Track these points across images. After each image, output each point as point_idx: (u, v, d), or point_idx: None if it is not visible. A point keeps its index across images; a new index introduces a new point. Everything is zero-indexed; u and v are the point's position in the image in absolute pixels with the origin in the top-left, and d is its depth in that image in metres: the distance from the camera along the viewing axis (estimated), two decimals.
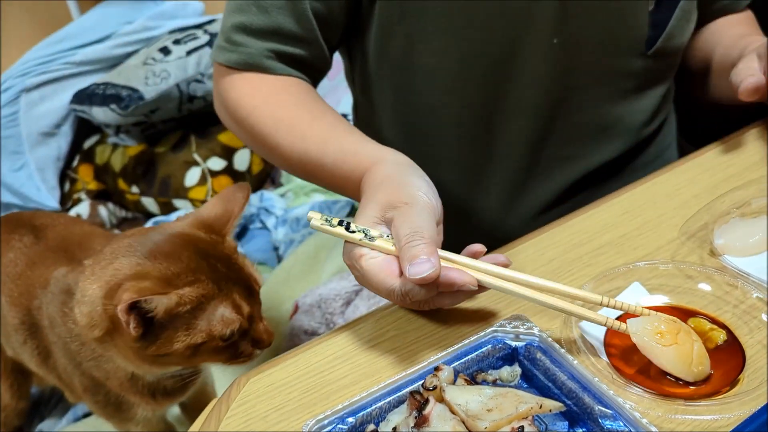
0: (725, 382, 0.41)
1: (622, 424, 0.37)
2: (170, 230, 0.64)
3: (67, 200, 1.49)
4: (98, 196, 1.47)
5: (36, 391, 1.06)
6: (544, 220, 0.72)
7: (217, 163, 1.36)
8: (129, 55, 1.52)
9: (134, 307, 0.57)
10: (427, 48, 0.66)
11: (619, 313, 0.46)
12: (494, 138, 0.70)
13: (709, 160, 0.65)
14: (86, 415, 0.97)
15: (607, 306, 0.45)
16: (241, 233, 1.33)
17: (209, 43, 1.40)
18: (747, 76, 0.60)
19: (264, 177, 1.48)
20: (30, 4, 1.66)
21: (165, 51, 1.39)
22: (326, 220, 0.48)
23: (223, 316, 0.61)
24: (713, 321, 0.45)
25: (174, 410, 0.92)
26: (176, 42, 1.41)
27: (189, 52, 1.37)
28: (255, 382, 0.47)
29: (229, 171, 1.37)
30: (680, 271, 0.49)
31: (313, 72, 0.69)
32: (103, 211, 1.44)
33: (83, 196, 1.47)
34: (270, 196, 1.39)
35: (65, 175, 1.53)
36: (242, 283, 0.64)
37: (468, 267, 0.46)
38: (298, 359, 0.49)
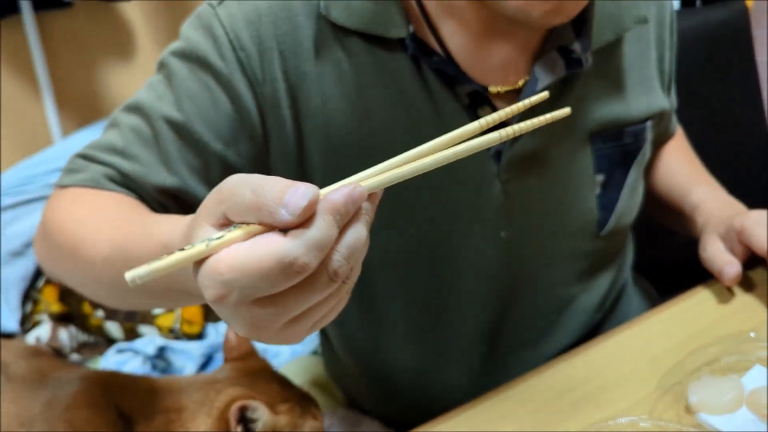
0: None
1: None
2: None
3: (27, 321, 1.45)
4: (60, 319, 1.43)
5: None
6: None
7: None
8: None
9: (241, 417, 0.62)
10: (373, 242, 0.63)
11: None
12: (447, 329, 0.68)
13: (677, 314, 0.67)
14: None
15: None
16: (207, 363, 1.29)
17: None
18: (725, 264, 0.66)
19: None
20: (12, 123, 1.70)
21: None
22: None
23: None
24: None
25: None
26: None
27: None
28: None
29: None
30: (659, 428, 0.50)
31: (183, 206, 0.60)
32: (63, 334, 1.39)
33: (45, 317, 1.43)
34: None
35: (28, 295, 1.49)
36: None
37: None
38: None
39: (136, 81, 1.85)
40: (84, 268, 0.52)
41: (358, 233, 0.34)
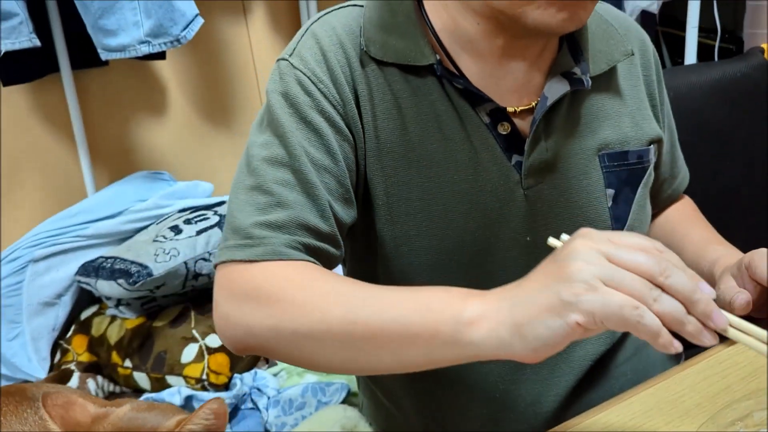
0: None
1: None
2: None
3: (54, 371, 1.47)
4: (88, 369, 1.45)
5: None
6: (545, 423, 0.73)
7: (215, 340, 1.37)
8: (139, 230, 1.58)
9: None
10: (411, 249, 0.70)
11: None
12: None
13: (705, 368, 0.67)
14: None
15: None
16: (233, 413, 1.30)
17: (218, 224, 1.47)
18: (736, 294, 0.67)
19: (258, 356, 1.47)
20: (48, 176, 1.76)
21: (176, 230, 1.45)
22: None
23: None
24: None
25: None
26: (187, 222, 1.49)
27: (199, 232, 1.43)
28: None
29: (226, 349, 1.37)
30: None
31: (331, 264, 0.68)
32: (92, 384, 1.41)
33: (73, 367, 1.45)
34: (263, 375, 1.38)
35: (57, 345, 1.52)
36: None
37: None
38: None
39: (168, 136, 1.92)
40: (316, 328, 0.57)
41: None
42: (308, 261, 0.63)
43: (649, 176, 0.77)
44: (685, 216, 0.89)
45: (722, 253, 0.77)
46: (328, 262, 0.67)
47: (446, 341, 0.52)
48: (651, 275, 0.46)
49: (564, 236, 0.55)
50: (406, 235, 0.70)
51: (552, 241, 0.56)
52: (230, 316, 0.61)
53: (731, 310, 0.67)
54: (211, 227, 1.46)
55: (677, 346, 0.46)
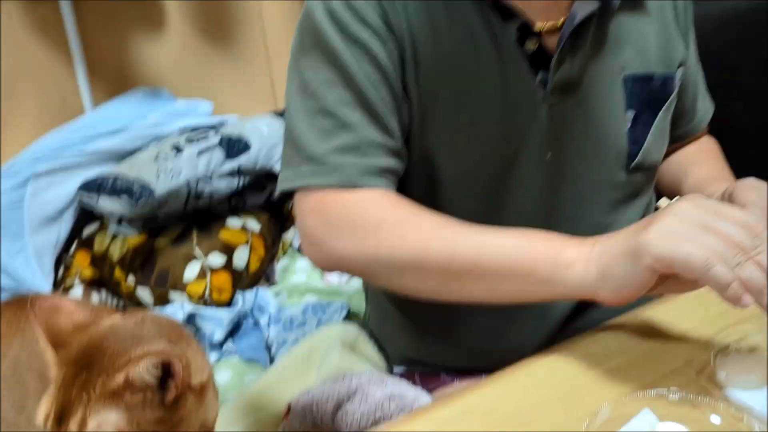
0: None
1: None
2: None
3: (59, 286, 1.49)
4: (91, 284, 1.47)
5: None
6: (552, 334, 0.76)
7: (217, 260, 1.38)
8: (139, 148, 1.57)
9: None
10: (438, 160, 0.72)
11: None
12: None
13: (703, 294, 0.69)
14: None
15: None
16: (235, 330, 1.33)
17: (220, 143, 1.46)
18: None
19: (260, 274, 1.50)
20: (44, 92, 1.73)
21: (177, 149, 1.44)
22: None
23: None
24: None
25: None
26: (189, 141, 1.47)
27: (200, 152, 1.43)
28: None
29: (228, 267, 1.39)
30: (688, 401, 0.52)
31: (398, 178, 0.72)
32: (95, 298, 1.43)
33: (76, 282, 1.47)
34: (265, 294, 1.41)
35: (60, 260, 1.53)
36: None
37: None
38: None
39: (167, 54, 1.87)
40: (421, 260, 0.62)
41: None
42: (386, 189, 0.67)
43: (672, 102, 0.77)
44: (698, 153, 0.88)
45: (722, 189, 0.77)
46: (397, 177, 0.71)
47: (541, 279, 0.58)
48: (742, 248, 0.50)
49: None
50: (433, 147, 0.71)
51: (662, 201, 0.59)
52: (325, 243, 0.66)
53: None
54: (212, 147, 1.45)
55: (747, 302, 0.49)
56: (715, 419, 0.50)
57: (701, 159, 0.86)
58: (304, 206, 0.68)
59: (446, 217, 0.65)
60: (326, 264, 0.68)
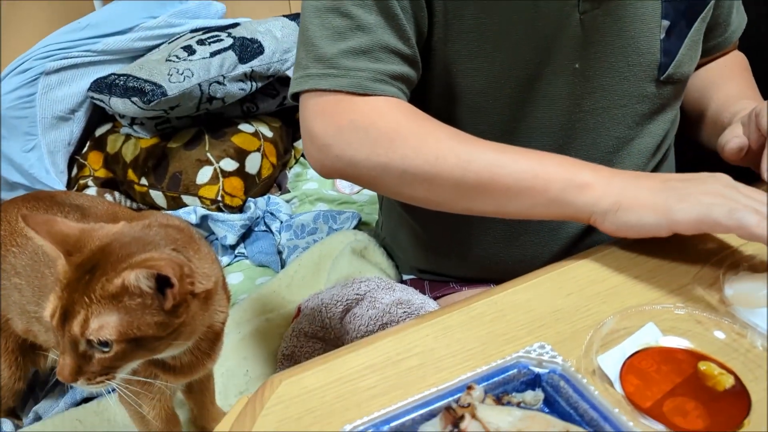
0: (732, 425, 0.44)
1: None
2: None
3: (73, 185, 1.51)
4: (105, 184, 1.49)
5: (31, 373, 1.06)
6: (562, 249, 0.77)
7: (229, 164, 1.39)
8: (150, 49, 1.54)
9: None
10: (460, 70, 0.70)
11: (637, 347, 0.49)
12: None
13: None
14: (85, 399, 0.98)
15: None
16: (246, 234, 1.35)
17: (232, 47, 1.43)
18: (731, 138, 0.68)
19: (271, 182, 1.50)
20: None
21: (189, 50, 1.41)
22: None
23: None
24: (722, 366, 0.49)
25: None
26: (200, 42, 1.44)
27: (213, 54, 1.39)
28: (288, 385, 0.50)
29: (240, 173, 1.39)
30: (692, 316, 0.53)
31: (411, 88, 0.70)
32: (109, 199, 1.45)
33: (90, 182, 1.48)
34: (276, 201, 1.41)
35: (73, 160, 1.54)
36: None
37: None
38: (328, 366, 0.52)
39: None
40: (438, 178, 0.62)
41: None
42: (399, 97, 0.65)
43: (708, 11, 0.75)
44: (727, 69, 0.85)
45: (749, 107, 0.75)
46: (410, 86, 0.69)
47: (553, 199, 0.59)
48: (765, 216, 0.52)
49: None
50: (458, 54, 0.69)
51: None
52: (333, 147, 0.64)
53: (722, 154, 0.68)
54: (225, 49, 1.41)
55: None
56: (719, 335, 0.51)
57: (730, 75, 0.84)
58: (312, 108, 0.66)
59: (461, 131, 0.64)
60: (332, 169, 0.66)
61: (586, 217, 0.60)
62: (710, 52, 0.85)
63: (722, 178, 0.57)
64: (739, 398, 0.46)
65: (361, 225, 1.32)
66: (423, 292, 0.92)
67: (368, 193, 1.46)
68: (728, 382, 0.47)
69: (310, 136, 0.66)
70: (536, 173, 0.60)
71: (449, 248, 0.85)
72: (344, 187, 1.50)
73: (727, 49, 0.87)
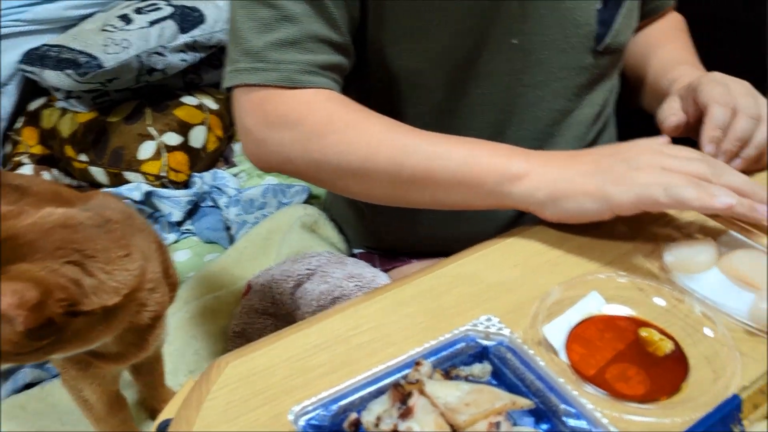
0: (671, 389, 0.46)
1: (585, 423, 0.41)
2: None
3: (7, 163, 1.44)
4: (41, 161, 1.43)
5: None
6: (511, 220, 0.78)
7: (172, 138, 1.34)
8: (83, 18, 1.47)
9: None
10: (397, 51, 0.69)
11: (582, 316, 0.50)
12: (454, 133, 0.74)
13: None
14: (28, 385, 0.95)
15: None
16: (193, 210, 1.32)
17: (172, 16, 1.37)
18: (669, 115, 0.69)
19: (218, 155, 1.47)
20: None
21: (125, 19, 1.35)
22: None
23: None
24: (662, 332, 0.50)
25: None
26: (138, 11, 1.38)
27: (151, 23, 1.34)
28: (236, 367, 0.49)
29: (185, 147, 1.35)
30: (634, 284, 0.54)
31: (344, 75, 0.68)
32: (47, 177, 1.39)
33: (25, 159, 1.42)
34: (223, 175, 1.38)
35: (6, 136, 1.47)
36: None
37: None
38: (277, 345, 0.51)
39: None
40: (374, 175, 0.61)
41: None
42: (330, 88, 0.64)
43: None
44: (663, 33, 0.87)
45: (686, 73, 0.76)
46: (342, 75, 0.67)
47: (489, 191, 0.59)
48: (704, 178, 0.53)
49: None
50: (394, 35, 0.68)
51: None
52: (267, 143, 0.63)
53: (661, 129, 0.70)
54: (164, 18, 1.36)
55: (724, 201, 0.52)
56: (659, 301, 0.52)
57: (666, 39, 0.85)
58: (244, 104, 0.64)
59: (395, 122, 0.63)
60: (268, 165, 0.66)
61: (524, 208, 0.60)
62: (648, 15, 0.86)
63: (650, 146, 0.58)
64: (678, 363, 0.48)
65: (311, 198, 1.31)
66: (374, 265, 0.91)
67: None
68: (668, 347, 0.49)
69: (245, 131, 0.65)
70: (470, 167, 0.59)
71: (396, 225, 0.85)
72: None
73: (664, 12, 0.88)
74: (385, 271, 0.90)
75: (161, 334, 0.72)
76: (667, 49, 0.84)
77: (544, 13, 0.70)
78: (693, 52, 0.84)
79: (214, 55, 1.49)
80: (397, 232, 0.86)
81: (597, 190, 0.56)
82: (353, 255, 1.00)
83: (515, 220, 0.79)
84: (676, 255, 0.57)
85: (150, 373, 0.88)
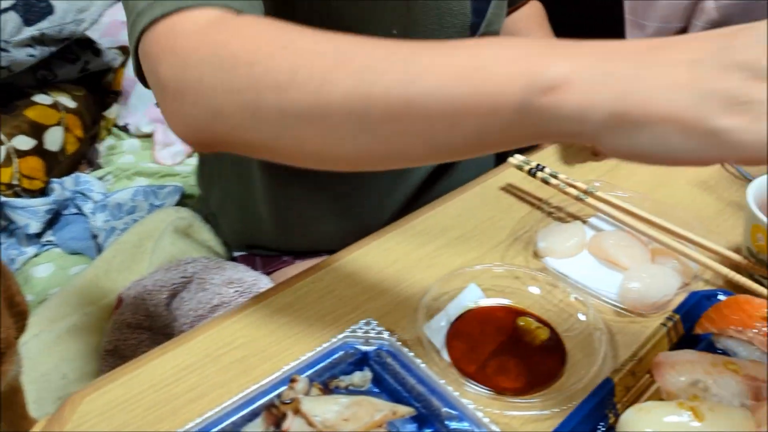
0: (550, 377, 0.46)
1: (467, 424, 0.40)
2: None
3: None
4: None
5: None
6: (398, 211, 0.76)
7: (24, 142, 1.22)
8: None
9: None
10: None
11: (460, 310, 0.50)
12: None
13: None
14: None
15: None
16: (53, 220, 1.21)
17: (14, 7, 1.24)
18: None
19: (79, 158, 1.35)
20: None
21: None
22: None
23: None
24: (539, 320, 0.50)
25: None
26: None
27: None
28: (91, 401, 0.44)
29: (39, 151, 1.23)
30: (510, 273, 0.54)
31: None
32: None
33: None
34: (87, 179, 1.28)
35: None
36: None
37: None
38: (139, 373, 0.47)
39: None
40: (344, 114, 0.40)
41: None
42: (247, 7, 0.47)
43: None
44: (523, 22, 0.89)
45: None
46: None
47: (512, 113, 0.36)
48: None
49: None
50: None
51: None
52: (185, 93, 0.45)
53: None
54: (5, 10, 1.23)
55: None
56: (534, 289, 0.53)
57: (528, 27, 0.88)
58: (153, 49, 0.47)
59: (348, 36, 0.43)
60: (196, 128, 0.47)
61: (571, 139, 0.36)
62: (511, 4, 0.89)
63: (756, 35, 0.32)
64: (554, 350, 0.48)
65: (186, 198, 1.23)
66: (255, 268, 0.88)
67: (192, 162, 1.37)
68: (545, 334, 0.49)
69: (161, 86, 0.47)
70: (475, 83, 0.37)
71: (279, 223, 0.82)
72: (165, 157, 1.39)
73: (524, 1, 0.90)
74: (268, 273, 0.87)
75: (10, 370, 0.65)
76: (536, 36, 0.86)
77: (420, 3, 0.69)
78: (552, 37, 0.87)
79: (67, 48, 1.37)
80: (280, 228, 0.82)
81: (696, 117, 0.32)
82: (233, 258, 0.95)
83: (402, 211, 0.78)
84: (548, 240, 0.57)
85: (9, 408, 0.79)
